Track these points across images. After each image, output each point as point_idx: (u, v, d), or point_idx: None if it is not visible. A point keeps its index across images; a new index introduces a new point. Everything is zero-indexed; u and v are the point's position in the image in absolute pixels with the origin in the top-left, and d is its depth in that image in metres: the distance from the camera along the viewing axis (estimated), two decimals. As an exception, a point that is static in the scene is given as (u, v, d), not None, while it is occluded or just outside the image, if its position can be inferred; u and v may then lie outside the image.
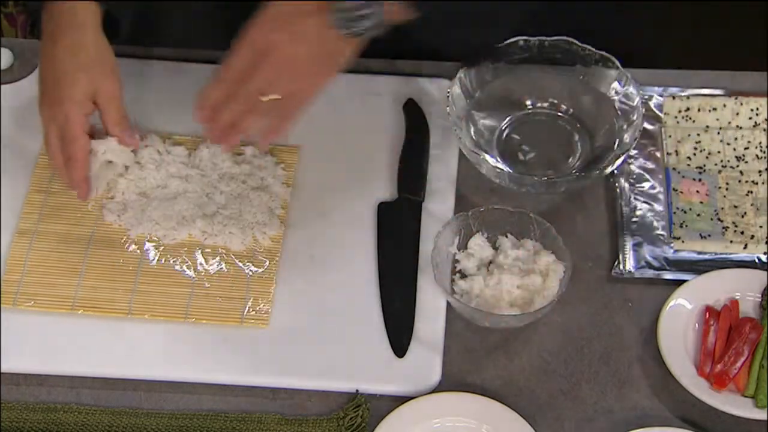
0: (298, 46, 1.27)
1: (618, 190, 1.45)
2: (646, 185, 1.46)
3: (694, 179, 1.46)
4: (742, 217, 1.42)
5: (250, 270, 1.39)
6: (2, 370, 1.32)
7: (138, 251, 1.40)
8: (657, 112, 1.51)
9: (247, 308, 1.37)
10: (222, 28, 1.40)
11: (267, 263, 1.40)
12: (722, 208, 1.43)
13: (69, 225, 1.43)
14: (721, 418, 1.29)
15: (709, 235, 1.41)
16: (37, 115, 1.50)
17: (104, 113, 1.41)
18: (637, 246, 1.41)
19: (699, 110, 1.51)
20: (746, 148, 1.48)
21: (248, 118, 1.30)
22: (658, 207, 1.44)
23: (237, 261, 1.40)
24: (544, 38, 1.45)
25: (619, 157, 1.41)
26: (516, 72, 1.51)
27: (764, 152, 1.47)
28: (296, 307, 1.37)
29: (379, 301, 1.37)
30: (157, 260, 1.40)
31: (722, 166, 1.47)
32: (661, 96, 1.53)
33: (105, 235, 1.42)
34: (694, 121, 1.51)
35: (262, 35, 1.27)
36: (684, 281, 1.37)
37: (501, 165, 1.45)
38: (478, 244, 1.38)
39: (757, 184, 1.45)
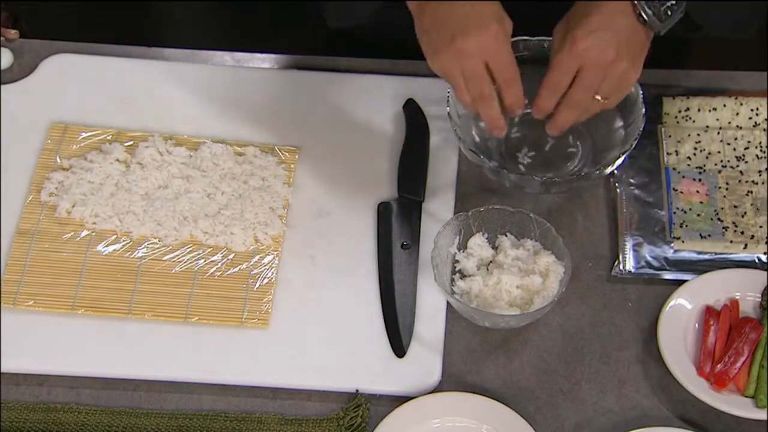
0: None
1: (618, 190, 1.45)
2: (646, 185, 1.46)
3: (694, 179, 1.46)
4: (742, 217, 1.42)
5: (251, 270, 1.40)
6: (2, 370, 1.32)
7: (139, 251, 1.41)
8: (657, 112, 1.51)
9: (247, 308, 1.37)
10: (223, 28, 1.40)
11: (267, 263, 1.40)
12: (722, 208, 1.43)
13: (69, 225, 1.43)
14: (721, 418, 1.29)
15: (709, 235, 1.41)
16: (38, 114, 1.51)
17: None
18: (637, 246, 1.41)
19: (699, 110, 1.51)
20: (746, 148, 1.48)
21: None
22: (658, 207, 1.44)
23: (238, 261, 1.40)
24: (544, 38, 1.44)
25: (619, 157, 1.41)
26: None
27: (764, 152, 1.47)
28: (296, 308, 1.37)
29: (379, 301, 1.37)
30: (158, 260, 1.40)
31: (722, 166, 1.47)
32: (661, 96, 1.52)
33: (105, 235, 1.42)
34: (694, 121, 1.51)
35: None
36: (684, 281, 1.37)
37: (501, 165, 1.45)
38: (478, 244, 1.38)
39: (757, 184, 1.45)
